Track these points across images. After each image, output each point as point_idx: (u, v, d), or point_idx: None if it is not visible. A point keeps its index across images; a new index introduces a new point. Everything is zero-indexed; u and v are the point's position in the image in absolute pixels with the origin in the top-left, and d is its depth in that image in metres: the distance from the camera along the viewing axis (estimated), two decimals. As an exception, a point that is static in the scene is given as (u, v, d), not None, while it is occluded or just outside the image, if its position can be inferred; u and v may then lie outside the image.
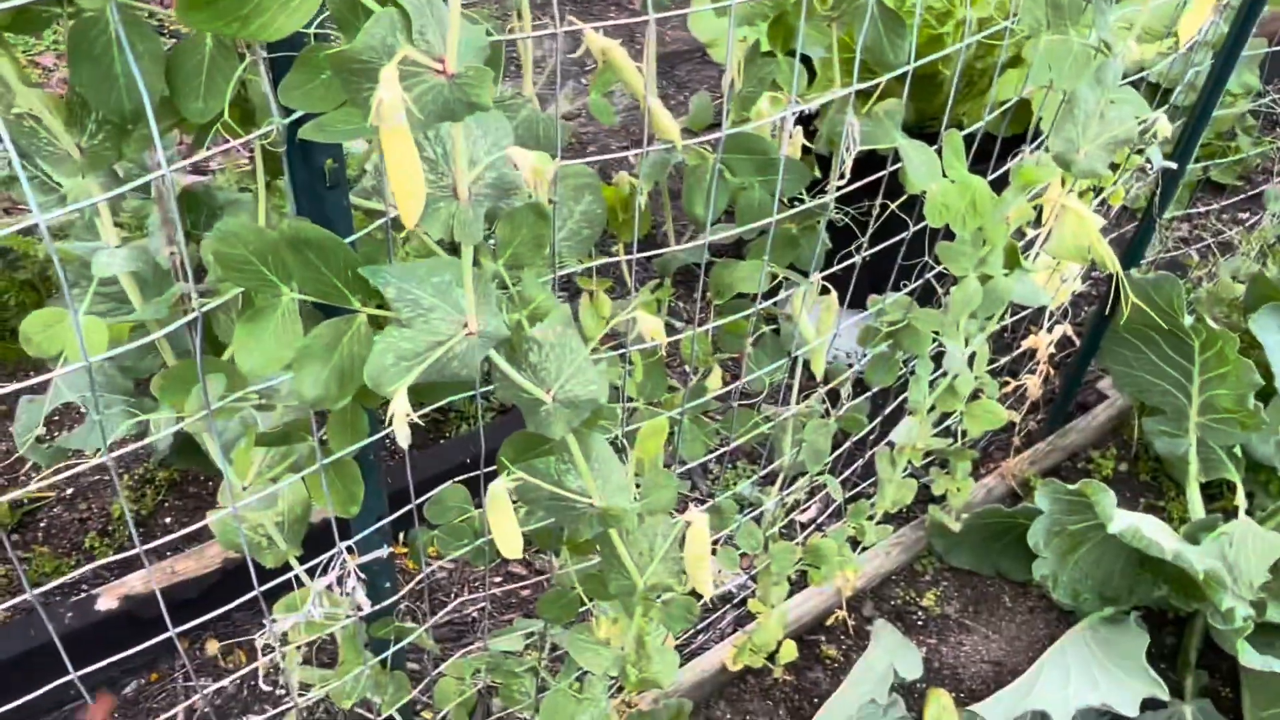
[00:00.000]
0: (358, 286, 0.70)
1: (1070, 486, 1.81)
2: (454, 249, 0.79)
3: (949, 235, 1.26)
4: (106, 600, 1.74)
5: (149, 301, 0.82)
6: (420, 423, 2.14)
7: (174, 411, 0.75)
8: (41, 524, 2.04)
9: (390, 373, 0.66)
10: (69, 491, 2.10)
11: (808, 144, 1.22)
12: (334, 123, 0.59)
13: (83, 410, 2.14)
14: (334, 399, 0.69)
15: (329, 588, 1.01)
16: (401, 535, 1.82)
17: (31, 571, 1.97)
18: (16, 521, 2.04)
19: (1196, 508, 2.00)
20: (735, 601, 1.95)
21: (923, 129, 2.05)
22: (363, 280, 0.69)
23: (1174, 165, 1.71)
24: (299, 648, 1.09)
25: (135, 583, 1.78)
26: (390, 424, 0.69)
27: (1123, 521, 1.68)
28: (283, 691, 1.74)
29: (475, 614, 1.99)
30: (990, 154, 1.34)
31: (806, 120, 1.18)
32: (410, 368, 0.67)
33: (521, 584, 2.03)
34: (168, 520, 2.06)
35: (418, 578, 1.16)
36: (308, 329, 0.71)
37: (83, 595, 1.78)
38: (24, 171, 1.29)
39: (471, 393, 1.03)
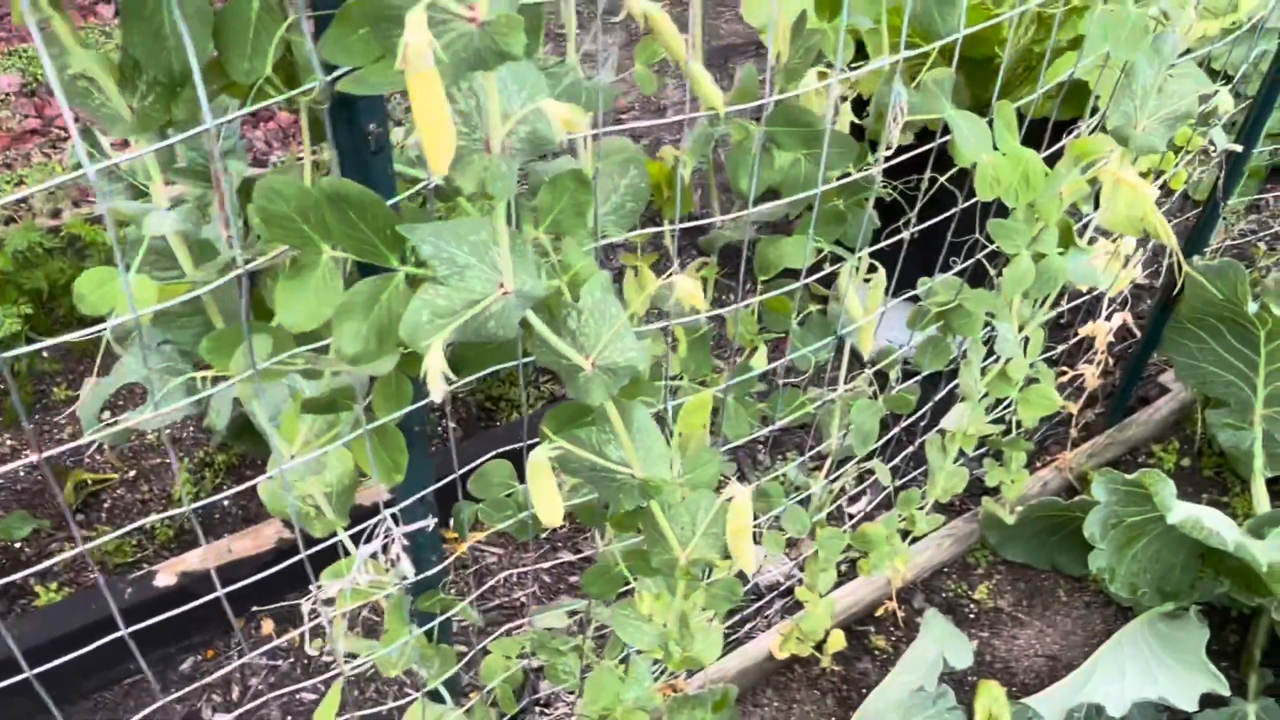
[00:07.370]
0: (395, 245, 0.70)
1: (1128, 476, 1.77)
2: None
3: (1001, 213, 1.24)
4: (164, 577, 1.79)
5: (200, 266, 0.84)
6: (472, 409, 2.17)
7: (222, 372, 0.76)
8: (105, 504, 2.10)
9: (425, 329, 0.67)
10: (131, 474, 2.16)
11: (857, 120, 1.20)
12: (371, 75, 0.60)
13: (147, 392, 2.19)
14: (373, 355, 0.70)
15: (374, 556, 1.02)
16: (452, 519, 1.85)
17: (94, 551, 2.02)
18: (81, 502, 2.10)
19: (1262, 502, 1.94)
20: (782, 590, 1.94)
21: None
22: (400, 239, 0.70)
23: (1239, 147, 1.66)
24: (344, 615, 1.10)
25: (193, 560, 1.82)
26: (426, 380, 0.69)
27: (1182, 512, 1.63)
28: (332, 662, 1.77)
29: (524, 599, 2.00)
30: (1044, 140, 1.32)
31: (863, 103, 1.17)
32: (445, 324, 0.68)
33: (570, 570, 2.04)
34: (226, 503, 2.10)
35: (457, 551, 1.18)
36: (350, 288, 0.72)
37: (142, 572, 1.83)
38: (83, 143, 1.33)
39: (514, 363, 1.03)
